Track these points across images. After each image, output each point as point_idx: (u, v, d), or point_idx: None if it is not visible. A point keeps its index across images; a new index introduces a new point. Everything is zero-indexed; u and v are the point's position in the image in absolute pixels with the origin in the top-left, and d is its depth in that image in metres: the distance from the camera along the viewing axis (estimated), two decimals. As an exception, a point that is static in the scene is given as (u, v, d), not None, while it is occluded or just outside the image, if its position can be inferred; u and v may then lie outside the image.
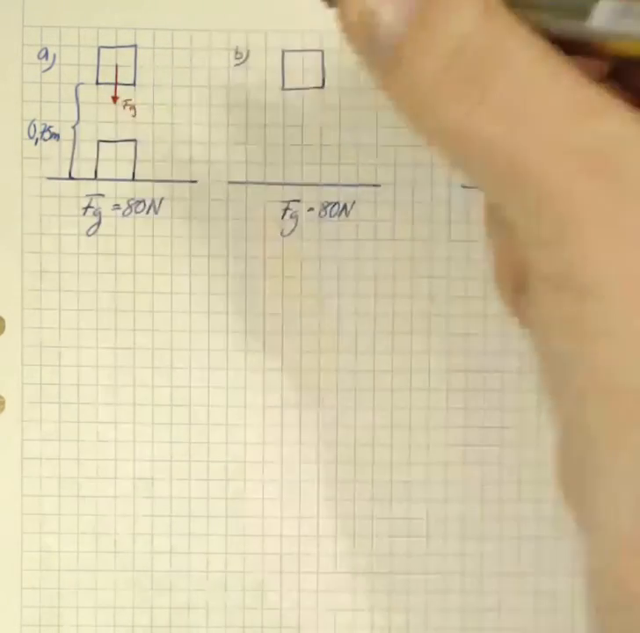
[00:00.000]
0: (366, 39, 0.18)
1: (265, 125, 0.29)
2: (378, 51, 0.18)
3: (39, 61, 0.29)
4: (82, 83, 0.29)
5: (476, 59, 0.17)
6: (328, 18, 0.29)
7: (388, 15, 0.17)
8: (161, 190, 0.29)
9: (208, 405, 0.29)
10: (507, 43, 0.17)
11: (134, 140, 0.29)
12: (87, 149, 0.29)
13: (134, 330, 0.29)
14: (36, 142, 0.29)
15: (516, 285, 0.21)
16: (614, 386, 0.16)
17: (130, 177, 0.29)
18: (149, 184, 0.29)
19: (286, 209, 0.29)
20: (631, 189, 0.16)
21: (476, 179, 0.19)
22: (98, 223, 0.29)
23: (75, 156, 0.29)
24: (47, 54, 0.29)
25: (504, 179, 0.18)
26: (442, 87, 0.17)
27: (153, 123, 0.29)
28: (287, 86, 0.29)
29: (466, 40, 0.17)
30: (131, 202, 0.29)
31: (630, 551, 0.15)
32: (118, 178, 0.29)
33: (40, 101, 0.29)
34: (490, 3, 0.17)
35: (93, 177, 0.29)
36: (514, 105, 0.17)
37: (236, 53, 0.29)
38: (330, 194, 0.29)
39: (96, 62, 0.29)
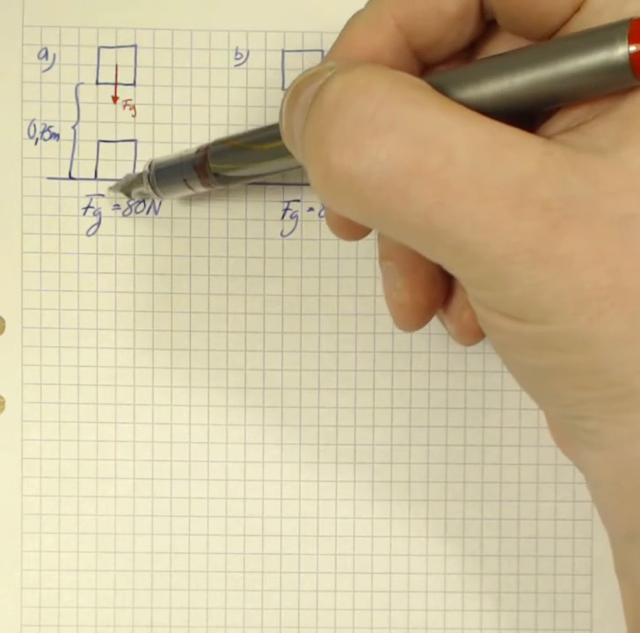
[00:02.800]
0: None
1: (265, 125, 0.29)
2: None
3: (39, 61, 0.29)
4: (82, 83, 0.29)
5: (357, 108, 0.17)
6: (328, 19, 0.29)
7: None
8: (161, 190, 0.29)
9: (208, 405, 0.29)
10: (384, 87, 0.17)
11: (134, 140, 0.29)
12: (87, 149, 0.29)
13: (134, 330, 0.29)
14: (36, 142, 0.29)
15: (433, 302, 0.23)
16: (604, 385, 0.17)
17: (130, 177, 0.29)
18: (149, 184, 0.29)
19: (286, 209, 0.29)
20: (561, 216, 0.16)
21: (394, 237, 0.18)
22: (98, 223, 0.29)
23: (75, 156, 0.29)
24: (47, 54, 0.29)
25: (423, 236, 0.17)
26: (332, 138, 0.17)
27: (153, 123, 0.29)
28: (287, 86, 0.29)
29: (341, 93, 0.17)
30: (131, 202, 0.29)
31: None
32: (118, 178, 0.29)
33: (40, 101, 0.29)
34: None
35: (93, 177, 0.29)
36: (415, 154, 0.16)
37: (236, 53, 0.29)
38: (330, 194, 0.29)
39: (96, 62, 0.29)
